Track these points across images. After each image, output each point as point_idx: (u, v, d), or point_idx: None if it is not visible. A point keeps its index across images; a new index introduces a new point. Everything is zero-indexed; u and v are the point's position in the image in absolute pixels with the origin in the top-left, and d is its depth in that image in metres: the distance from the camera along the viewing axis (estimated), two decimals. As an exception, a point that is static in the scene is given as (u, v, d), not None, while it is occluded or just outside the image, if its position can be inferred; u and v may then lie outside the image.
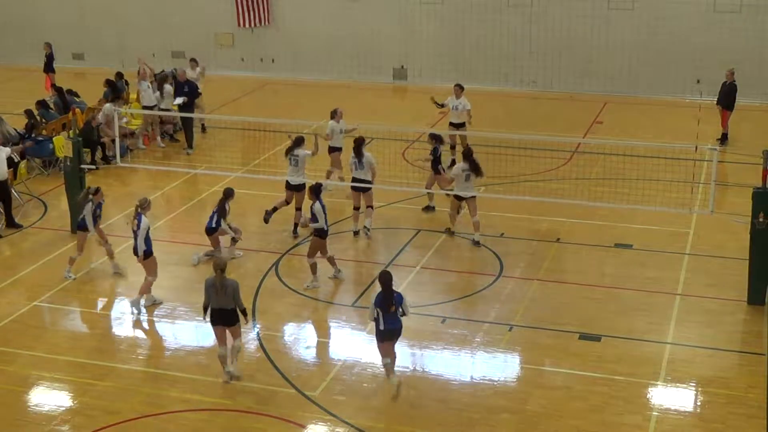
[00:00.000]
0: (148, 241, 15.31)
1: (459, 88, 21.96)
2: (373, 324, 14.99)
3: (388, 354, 12.92)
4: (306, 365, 14.00)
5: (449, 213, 18.33)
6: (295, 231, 18.41)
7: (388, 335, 12.82)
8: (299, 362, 14.08)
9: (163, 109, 23.68)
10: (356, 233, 18.29)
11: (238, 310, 13.05)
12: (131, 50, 33.03)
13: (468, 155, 17.75)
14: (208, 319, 13.24)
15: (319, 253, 16.20)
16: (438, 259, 17.42)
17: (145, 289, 15.64)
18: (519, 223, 18.82)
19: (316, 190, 16.00)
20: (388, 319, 12.71)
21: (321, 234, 15.99)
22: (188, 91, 23.54)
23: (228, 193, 17.00)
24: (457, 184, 17.79)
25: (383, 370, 13.10)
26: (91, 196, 16.56)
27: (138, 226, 15.21)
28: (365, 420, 12.50)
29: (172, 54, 32.57)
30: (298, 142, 18.31)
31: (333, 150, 19.81)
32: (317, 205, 15.83)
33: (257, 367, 13.81)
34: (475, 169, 17.70)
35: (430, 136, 19.29)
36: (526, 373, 13.69)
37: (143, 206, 15.39)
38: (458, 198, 17.99)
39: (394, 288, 12.85)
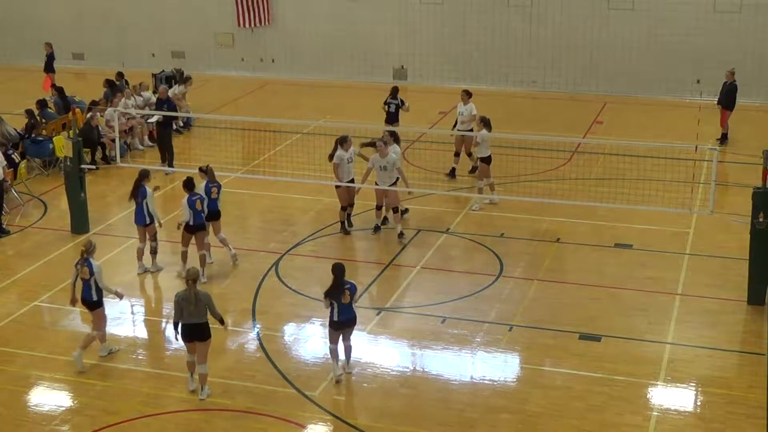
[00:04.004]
0: (99, 289, 13.72)
1: (466, 95, 21.50)
2: (373, 323, 15.02)
3: (338, 341, 13.32)
4: (306, 365, 13.99)
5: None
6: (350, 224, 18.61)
7: (342, 326, 13.18)
8: (299, 362, 14.08)
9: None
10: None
11: (215, 319, 12.87)
12: (131, 50, 33.11)
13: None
14: (179, 337, 12.92)
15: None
16: (438, 259, 17.42)
17: (90, 341, 13.94)
18: (519, 223, 18.83)
19: (188, 184, 16.34)
20: (342, 310, 13.02)
21: (186, 227, 16.42)
22: (167, 109, 22.79)
23: (143, 174, 16.82)
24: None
25: (330, 356, 13.48)
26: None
27: (90, 272, 13.63)
28: (365, 420, 12.50)
29: (172, 54, 32.60)
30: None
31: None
32: (184, 199, 16.24)
33: (257, 367, 13.81)
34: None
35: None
36: (526, 373, 13.69)
37: (89, 250, 13.82)
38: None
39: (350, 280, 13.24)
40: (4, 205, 19.28)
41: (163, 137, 22.77)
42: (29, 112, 22.96)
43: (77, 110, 23.37)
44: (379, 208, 18.41)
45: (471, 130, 21.00)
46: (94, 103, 23.92)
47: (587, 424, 12.36)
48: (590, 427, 12.30)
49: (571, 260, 17.38)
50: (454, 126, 21.83)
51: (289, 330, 15.05)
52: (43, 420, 12.64)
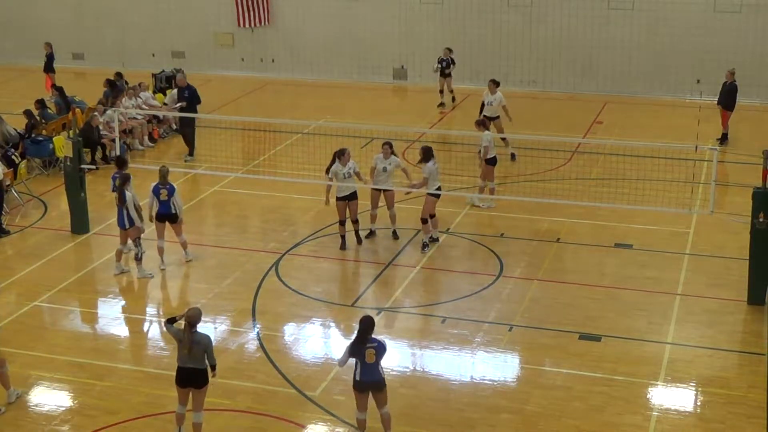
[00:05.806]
0: None
1: (493, 84, 22.79)
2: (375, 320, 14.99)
3: (365, 407, 11.76)
4: (306, 365, 13.99)
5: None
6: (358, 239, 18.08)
7: (366, 387, 11.62)
8: (299, 362, 14.07)
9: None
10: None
11: (209, 363, 11.62)
12: (131, 50, 33.11)
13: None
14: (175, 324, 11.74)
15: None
16: (438, 259, 17.42)
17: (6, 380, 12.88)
18: (519, 223, 18.83)
19: (118, 162, 17.06)
20: (365, 370, 11.48)
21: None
22: (188, 96, 23.05)
23: (125, 178, 16.58)
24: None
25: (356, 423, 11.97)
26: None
27: None
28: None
29: (172, 54, 32.60)
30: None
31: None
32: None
33: (257, 367, 13.81)
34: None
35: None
36: (526, 373, 13.69)
37: None
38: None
39: (383, 341, 11.82)
40: (4, 205, 19.27)
41: (182, 126, 23.11)
42: (28, 113, 22.95)
43: (77, 110, 23.36)
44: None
45: (498, 116, 22.44)
46: (101, 104, 23.90)
47: (587, 424, 12.36)
48: (590, 427, 12.30)
49: (571, 260, 17.38)
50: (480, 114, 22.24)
51: (289, 330, 15.05)
52: (43, 420, 12.63)
